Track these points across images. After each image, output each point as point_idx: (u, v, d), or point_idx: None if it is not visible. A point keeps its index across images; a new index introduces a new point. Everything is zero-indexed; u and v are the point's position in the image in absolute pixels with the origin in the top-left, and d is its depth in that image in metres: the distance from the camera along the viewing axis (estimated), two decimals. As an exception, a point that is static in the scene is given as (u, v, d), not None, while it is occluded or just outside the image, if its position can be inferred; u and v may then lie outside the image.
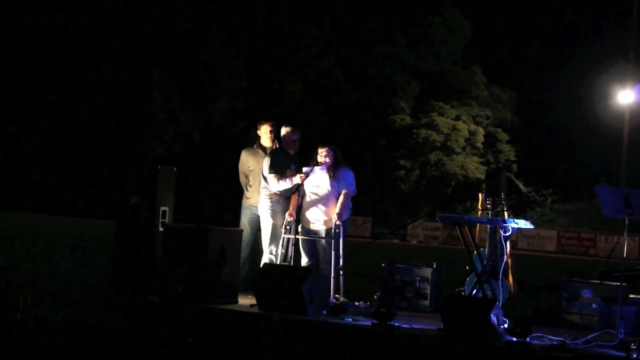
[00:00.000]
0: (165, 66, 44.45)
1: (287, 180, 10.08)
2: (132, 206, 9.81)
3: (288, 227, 10.08)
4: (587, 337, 7.96)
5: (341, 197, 9.99)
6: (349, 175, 10.10)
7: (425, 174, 47.37)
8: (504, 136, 48.17)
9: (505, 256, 9.65)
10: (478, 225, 10.03)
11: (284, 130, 10.40)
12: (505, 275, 9.81)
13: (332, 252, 9.81)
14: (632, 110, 40.25)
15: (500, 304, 8.67)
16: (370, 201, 42.05)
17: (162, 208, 9.82)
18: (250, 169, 10.64)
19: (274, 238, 10.19)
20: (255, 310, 8.98)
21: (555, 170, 47.79)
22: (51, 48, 43.94)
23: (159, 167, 9.94)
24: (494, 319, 7.86)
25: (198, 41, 44.79)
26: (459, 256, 12.94)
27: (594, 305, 9.10)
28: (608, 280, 9.84)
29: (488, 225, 9.67)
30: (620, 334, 7.88)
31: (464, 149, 47.44)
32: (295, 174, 10.07)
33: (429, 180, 47.34)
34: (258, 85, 45.84)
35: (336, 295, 9.60)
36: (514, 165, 45.66)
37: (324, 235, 10.04)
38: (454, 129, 47.13)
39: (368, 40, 47.58)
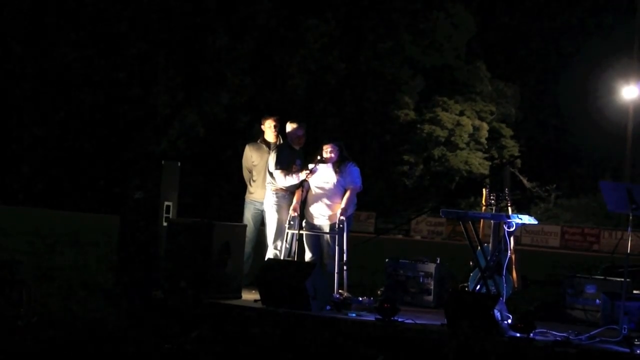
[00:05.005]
0: (169, 61, 44.46)
1: (294, 175, 10.08)
2: (136, 201, 9.80)
3: (292, 222, 10.07)
4: (591, 333, 7.96)
5: (348, 193, 9.99)
6: (354, 171, 10.10)
7: (429, 170, 47.36)
8: (507, 131, 48.12)
9: (509, 252, 9.66)
10: (482, 220, 10.02)
11: (289, 127, 10.40)
12: (509, 271, 9.81)
13: (336, 248, 9.81)
14: (636, 106, 40.24)
15: (504, 300, 8.66)
16: (374, 196, 42.04)
17: (166, 203, 9.81)
18: (254, 164, 10.63)
19: (279, 233, 10.18)
20: (259, 305, 8.99)
21: (559, 165, 47.74)
22: (54, 41, 43.95)
23: (163, 162, 9.93)
24: (497, 314, 7.86)
25: (202, 36, 44.79)
26: (462, 252, 12.94)
27: (597, 300, 9.09)
28: (612, 275, 9.83)
29: (492, 221, 9.66)
30: (624, 330, 7.87)
31: (468, 144, 47.41)
32: (301, 170, 10.07)
33: (433, 175, 47.33)
34: (262, 80, 45.85)
35: (340, 291, 9.60)
36: (518, 161, 45.61)
37: (328, 231, 10.04)
38: (458, 124, 47.10)
39: (372, 35, 47.55)
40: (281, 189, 10.23)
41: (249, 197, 10.70)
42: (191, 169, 37.27)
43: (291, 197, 10.20)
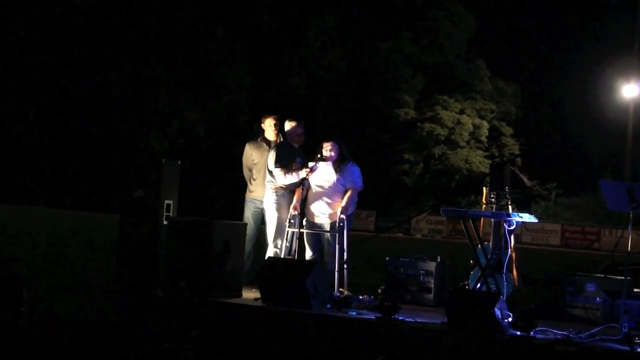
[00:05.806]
0: (169, 60, 44.44)
1: (294, 174, 10.09)
2: (136, 200, 9.80)
3: (292, 221, 10.07)
4: (591, 331, 7.96)
5: (349, 192, 9.99)
6: (355, 170, 10.10)
7: (429, 168, 47.36)
8: (508, 130, 48.15)
9: (509, 250, 9.65)
10: (482, 219, 10.02)
11: (288, 125, 10.41)
12: (510, 269, 9.81)
13: (337, 246, 9.81)
14: (636, 104, 40.22)
15: (505, 298, 8.66)
16: (375, 195, 42.05)
17: (167, 201, 9.81)
18: (254, 162, 10.63)
19: (280, 232, 10.17)
20: (259, 303, 8.99)
21: (559, 164, 47.75)
22: (55, 41, 43.94)
23: (163, 160, 9.94)
24: (498, 312, 7.86)
25: (202, 35, 44.78)
26: (463, 250, 12.94)
27: (598, 299, 9.09)
28: (612, 274, 9.83)
29: (492, 219, 9.66)
30: (625, 328, 7.87)
31: (468, 142, 47.42)
32: (301, 168, 10.07)
33: (433, 174, 47.33)
34: (262, 79, 45.84)
35: (340, 289, 9.60)
36: (518, 159, 45.64)
37: (328, 229, 10.03)
38: (458, 122, 47.12)
39: (372, 33, 47.55)
40: (281, 187, 10.23)
41: (249, 196, 10.70)
42: (191, 168, 37.25)
43: (291, 196, 10.20)
